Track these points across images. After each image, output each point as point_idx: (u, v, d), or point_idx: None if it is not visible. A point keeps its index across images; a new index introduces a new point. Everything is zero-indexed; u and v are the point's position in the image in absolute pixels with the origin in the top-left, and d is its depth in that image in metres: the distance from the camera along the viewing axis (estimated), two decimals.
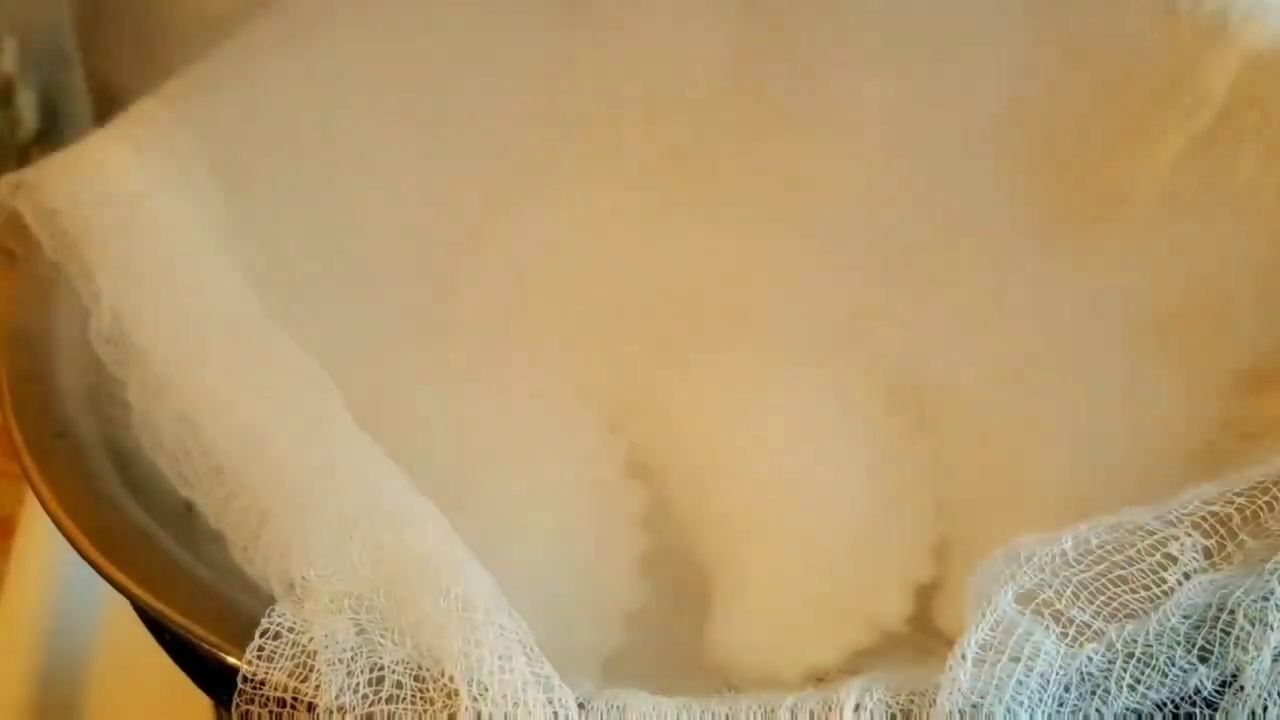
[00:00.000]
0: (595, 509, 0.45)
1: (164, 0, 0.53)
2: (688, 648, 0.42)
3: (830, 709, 0.28)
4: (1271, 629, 0.27)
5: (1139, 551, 0.29)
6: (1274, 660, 0.27)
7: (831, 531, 0.44)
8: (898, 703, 0.28)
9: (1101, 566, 0.29)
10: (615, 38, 0.52)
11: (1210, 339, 0.43)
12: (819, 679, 0.41)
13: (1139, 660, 0.27)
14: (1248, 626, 0.27)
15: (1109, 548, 0.29)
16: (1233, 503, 0.30)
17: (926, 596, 0.44)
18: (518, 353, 0.49)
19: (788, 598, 0.43)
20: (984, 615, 0.28)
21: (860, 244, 0.52)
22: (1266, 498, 0.30)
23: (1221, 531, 0.30)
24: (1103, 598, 0.28)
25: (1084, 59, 0.48)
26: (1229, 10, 0.45)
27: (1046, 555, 0.29)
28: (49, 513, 0.34)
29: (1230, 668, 0.27)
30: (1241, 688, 0.27)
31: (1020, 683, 0.27)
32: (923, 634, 0.43)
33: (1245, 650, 0.27)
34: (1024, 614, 0.28)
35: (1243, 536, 0.29)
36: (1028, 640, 0.27)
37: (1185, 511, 0.30)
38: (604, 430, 0.48)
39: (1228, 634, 0.28)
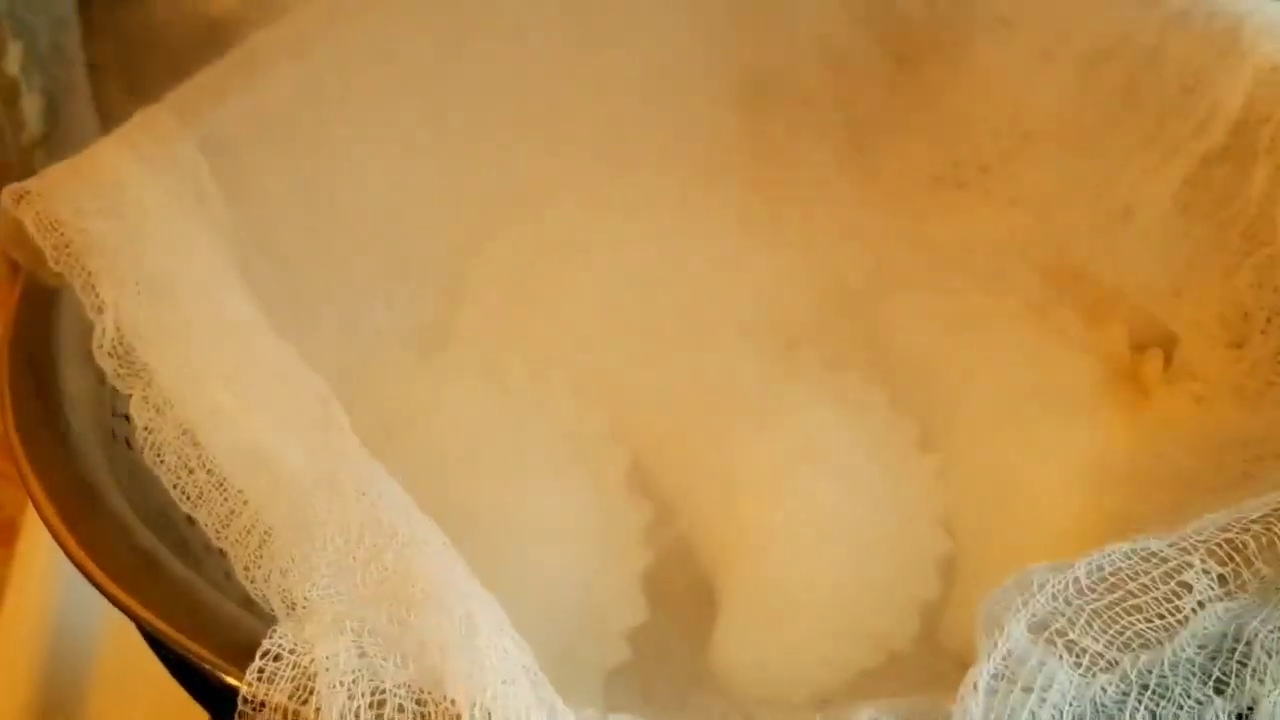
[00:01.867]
0: (598, 523, 0.45)
1: (168, 7, 0.52)
2: (691, 665, 0.42)
3: None
4: None
5: (1153, 579, 0.29)
6: None
7: (837, 548, 0.44)
8: None
9: (1115, 595, 0.28)
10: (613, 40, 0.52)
11: (1224, 356, 0.43)
12: (824, 699, 0.41)
13: (1154, 692, 0.27)
14: (1264, 658, 0.27)
15: (1122, 575, 0.29)
16: (1248, 530, 0.30)
17: (933, 615, 0.43)
18: (519, 363, 0.49)
19: (793, 615, 0.43)
20: (996, 644, 0.27)
21: (863, 256, 0.52)
22: None
23: (1237, 559, 0.29)
24: (1116, 627, 0.28)
25: (1098, 73, 0.48)
26: (1242, 25, 0.44)
27: (1059, 583, 0.29)
28: (51, 530, 0.34)
29: (1247, 700, 0.27)
30: None
31: (1033, 714, 0.26)
32: (929, 653, 0.42)
33: (1262, 682, 0.27)
34: (1037, 643, 0.28)
35: (1259, 564, 0.29)
36: (1040, 670, 0.27)
37: (1200, 538, 0.30)
38: (607, 442, 0.48)
39: (1244, 665, 0.27)
